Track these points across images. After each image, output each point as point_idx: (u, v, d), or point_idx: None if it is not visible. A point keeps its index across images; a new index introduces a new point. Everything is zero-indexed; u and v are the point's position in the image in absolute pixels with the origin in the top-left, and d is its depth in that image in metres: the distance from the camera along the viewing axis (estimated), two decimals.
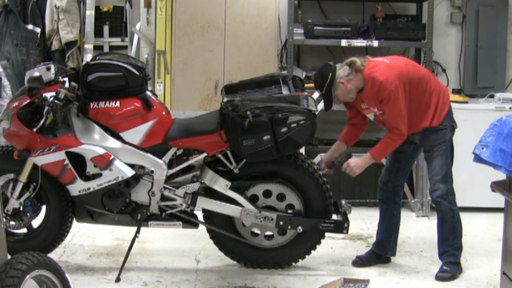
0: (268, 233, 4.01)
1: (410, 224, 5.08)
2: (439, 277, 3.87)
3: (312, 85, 5.40)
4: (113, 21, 6.03)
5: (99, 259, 4.19)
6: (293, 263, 4.05)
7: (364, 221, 5.04)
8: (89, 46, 5.70)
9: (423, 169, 5.34)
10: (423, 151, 3.97)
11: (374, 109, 3.82)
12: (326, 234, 4.01)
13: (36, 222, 4.07)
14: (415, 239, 4.70)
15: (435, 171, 3.87)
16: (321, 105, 5.00)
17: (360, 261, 4.11)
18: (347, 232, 3.94)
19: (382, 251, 4.13)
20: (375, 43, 5.49)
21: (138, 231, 3.84)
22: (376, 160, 3.86)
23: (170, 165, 3.86)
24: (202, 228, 4.01)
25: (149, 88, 3.98)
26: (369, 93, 3.74)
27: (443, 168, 3.86)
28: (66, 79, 3.88)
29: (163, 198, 3.87)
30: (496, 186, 3.18)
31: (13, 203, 3.89)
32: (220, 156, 3.84)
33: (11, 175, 4.00)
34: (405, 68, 3.80)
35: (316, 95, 4.28)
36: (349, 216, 3.96)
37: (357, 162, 3.84)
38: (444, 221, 3.90)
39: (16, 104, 3.80)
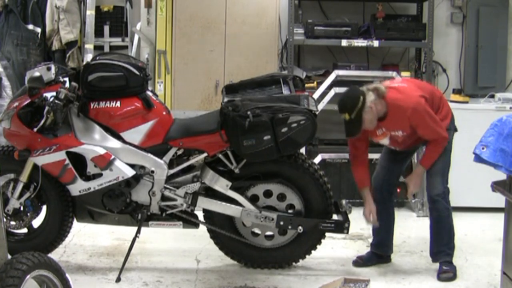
0: (268, 233, 4.01)
1: (410, 224, 5.08)
2: (442, 278, 3.88)
3: (312, 85, 5.46)
4: (114, 21, 6.03)
5: (99, 259, 4.19)
6: (294, 263, 4.05)
7: (364, 221, 5.03)
8: (89, 46, 5.70)
9: None
10: (425, 148, 3.97)
11: (396, 133, 3.82)
12: (327, 234, 4.01)
13: (36, 222, 4.07)
14: (415, 239, 4.70)
15: (435, 170, 3.88)
16: (320, 105, 5.00)
17: (361, 261, 4.12)
18: (347, 232, 3.95)
19: (382, 251, 4.14)
20: (376, 43, 5.49)
21: (138, 231, 3.84)
22: (427, 169, 3.88)
23: (170, 165, 3.86)
24: (203, 228, 4.01)
25: (150, 88, 3.98)
26: (394, 119, 3.73)
27: (443, 168, 3.88)
28: (66, 79, 3.89)
29: (164, 198, 3.87)
30: (496, 186, 3.18)
31: (14, 203, 3.89)
32: (220, 156, 3.84)
33: (12, 175, 4.00)
34: (421, 85, 3.93)
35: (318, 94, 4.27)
36: (349, 216, 3.97)
37: (415, 183, 3.89)
38: (440, 220, 3.91)
39: (16, 104, 3.80)
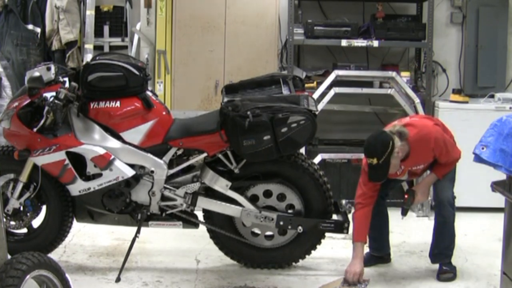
0: (268, 233, 4.01)
1: (410, 224, 5.08)
2: (441, 278, 3.88)
3: (312, 85, 5.46)
4: (113, 21, 6.03)
5: (99, 259, 4.19)
6: (293, 263, 4.05)
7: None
8: (89, 46, 5.69)
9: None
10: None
11: (418, 167, 3.87)
12: (326, 234, 4.01)
13: (36, 222, 4.07)
14: (415, 239, 4.70)
15: (445, 175, 3.90)
16: (320, 105, 5.01)
17: None
18: (347, 232, 3.95)
19: (380, 252, 4.14)
20: (375, 43, 5.48)
21: (138, 231, 3.84)
22: (440, 179, 3.89)
23: (170, 165, 3.86)
24: (202, 228, 4.01)
25: (149, 88, 3.98)
26: (417, 154, 3.75)
27: (453, 174, 3.92)
28: (66, 79, 3.89)
29: (163, 198, 3.87)
30: (496, 186, 3.18)
31: (13, 203, 3.89)
32: (220, 156, 3.84)
33: (11, 175, 4.00)
34: (427, 117, 4.11)
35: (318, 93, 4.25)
36: (349, 216, 3.97)
37: (424, 192, 3.91)
38: (445, 225, 3.90)
39: (16, 104, 3.80)
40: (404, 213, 3.94)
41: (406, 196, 3.90)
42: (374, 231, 4.07)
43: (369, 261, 4.11)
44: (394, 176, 3.87)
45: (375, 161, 3.59)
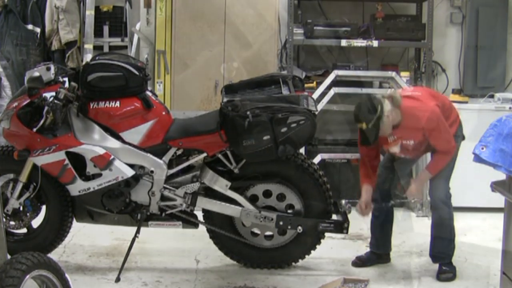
0: (268, 233, 4.01)
1: (410, 224, 5.08)
2: (441, 278, 3.88)
3: (312, 85, 5.46)
4: (113, 21, 6.03)
5: (99, 259, 4.19)
6: (293, 263, 4.05)
7: (364, 221, 5.02)
8: (89, 46, 5.69)
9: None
10: (432, 153, 3.96)
11: (408, 142, 3.81)
12: (326, 234, 4.01)
13: (36, 222, 4.07)
14: (414, 239, 4.70)
15: (439, 173, 3.88)
16: (320, 105, 5.00)
17: (360, 262, 4.12)
18: (347, 232, 3.94)
19: (381, 250, 4.14)
20: (375, 43, 5.49)
21: (138, 231, 3.84)
22: (433, 175, 3.86)
23: (170, 165, 3.86)
24: (202, 228, 4.01)
25: (149, 88, 3.98)
26: (408, 127, 3.74)
27: (447, 172, 3.89)
28: (66, 79, 3.89)
29: (163, 198, 3.87)
30: (496, 186, 3.18)
31: (13, 203, 3.89)
32: (220, 156, 3.84)
33: (11, 175, 4.00)
34: (434, 94, 3.96)
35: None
36: (349, 216, 3.96)
37: (417, 187, 3.89)
38: (442, 223, 3.90)
39: (16, 104, 3.80)
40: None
41: (399, 186, 3.91)
42: (377, 229, 4.07)
43: (369, 261, 4.12)
44: (386, 143, 3.85)
45: (364, 125, 3.66)
